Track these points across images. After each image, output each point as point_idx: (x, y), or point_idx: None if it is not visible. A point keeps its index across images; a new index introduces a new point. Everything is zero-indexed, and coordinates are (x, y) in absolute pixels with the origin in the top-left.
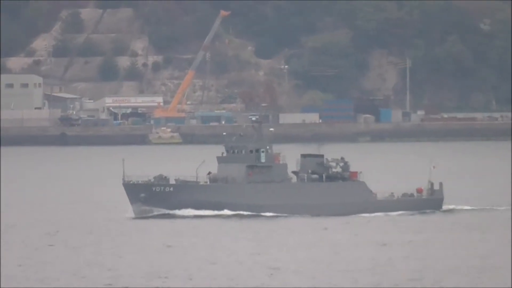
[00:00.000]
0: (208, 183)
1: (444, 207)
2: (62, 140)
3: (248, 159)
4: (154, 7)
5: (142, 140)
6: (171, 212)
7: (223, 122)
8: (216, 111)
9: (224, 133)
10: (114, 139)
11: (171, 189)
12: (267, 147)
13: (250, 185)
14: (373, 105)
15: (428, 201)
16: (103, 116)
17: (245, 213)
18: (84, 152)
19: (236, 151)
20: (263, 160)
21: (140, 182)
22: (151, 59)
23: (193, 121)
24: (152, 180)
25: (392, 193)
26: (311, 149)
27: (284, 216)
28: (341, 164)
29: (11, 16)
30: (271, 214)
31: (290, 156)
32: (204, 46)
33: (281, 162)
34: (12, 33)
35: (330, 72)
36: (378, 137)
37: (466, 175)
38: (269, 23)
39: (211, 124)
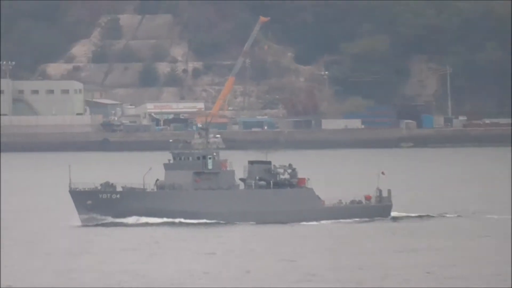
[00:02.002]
0: (155, 190)
1: (393, 214)
2: (104, 146)
3: (195, 165)
4: (194, 13)
5: (185, 146)
6: (117, 220)
7: (265, 128)
8: (258, 117)
9: (171, 140)
10: (156, 144)
11: (118, 196)
12: (214, 154)
13: (197, 192)
14: (415, 111)
15: (377, 208)
16: (145, 122)
17: (191, 220)
18: (126, 157)
19: (183, 157)
20: (210, 166)
21: (86, 189)
22: (191, 65)
23: (235, 127)
24: (99, 187)
25: (340, 200)
26: (259, 155)
27: (231, 223)
28: (289, 170)
29: (50, 22)
30: (217, 221)
31: (238, 163)
32: (244, 52)
33: (228, 168)
34: (52, 40)
35: (370, 79)
36: (420, 142)
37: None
38: (309, 29)
39: (253, 129)
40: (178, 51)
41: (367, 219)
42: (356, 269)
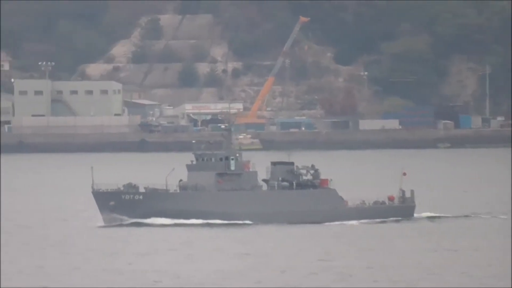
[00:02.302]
0: (178, 191)
1: (416, 215)
2: (141, 147)
3: (218, 166)
4: (234, 13)
5: (226, 146)
6: (140, 220)
7: (303, 128)
8: (296, 117)
9: (194, 141)
10: (194, 145)
11: (141, 197)
12: (237, 155)
13: (220, 193)
14: (453, 111)
15: (400, 209)
16: (183, 122)
17: (214, 221)
18: (163, 158)
19: (205, 159)
20: (232, 167)
21: (109, 190)
22: (230, 65)
23: (273, 127)
24: (122, 188)
25: (363, 200)
26: (282, 156)
27: (254, 224)
28: (312, 171)
29: (91, 23)
30: (240, 222)
31: (261, 164)
32: (284, 53)
33: (251, 169)
34: (91, 40)
35: (409, 79)
36: (458, 143)
37: None
38: (348, 29)
39: (291, 130)
40: (218, 51)
41: (390, 219)
42: (391, 269)
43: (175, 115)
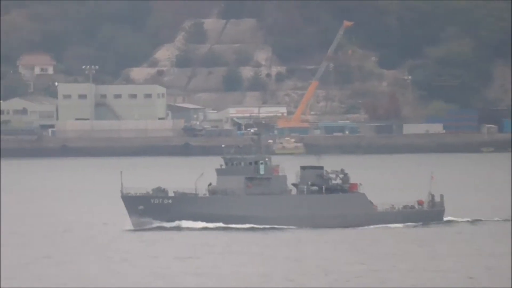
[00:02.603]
0: (207, 195)
1: (445, 218)
2: (185, 150)
3: (247, 171)
4: (277, 18)
5: (265, 150)
6: (169, 224)
7: (346, 132)
8: (339, 121)
9: (223, 145)
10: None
11: (170, 201)
12: (266, 159)
13: (249, 197)
14: (496, 115)
15: (429, 213)
16: (227, 126)
17: (244, 225)
18: (206, 162)
19: (235, 163)
20: (262, 172)
21: (138, 194)
22: (274, 69)
23: (317, 131)
24: (151, 192)
25: (392, 205)
26: (311, 161)
27: (283, 228)
28: (341, 175)
29: (134, 26)
30: (269, 226)
31: (290, 169)
32: (327, 57)
33: (280, 174)
34: (135, 44)
35: (453, 82)
36: (501, 147)
37: None
38: (393, 33)
39: (335, 134)
40: (262, 55)
41: (419, 223)
42: (439, 272)
43: (219, 119)
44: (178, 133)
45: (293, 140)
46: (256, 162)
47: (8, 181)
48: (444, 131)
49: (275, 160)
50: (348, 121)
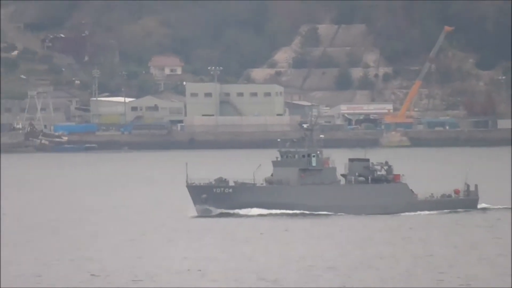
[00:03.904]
0: (265, 185)
1: (479, 206)
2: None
3: (301, 163)
4: (386, 23)
5: (374, 143)
6: (230, 211)
7: (447, 127)
8: (441, 117)
9: (279, 140)
10: (348, 142)
11: (230, 190)
12: (318, 152)
13: (302, 187)
14: None
15: (464, 201)
16: (338, 121)
17: (298, 212)
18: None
19: (289, 156)
20: (314, 164)
21: (201, 184)
22: (382, 70)
23: (420, 126)
24: (213, 182)
25: (432, 194)
26: (359, 154)
27: (334, 215)
28: (385, 167)
29: (255, 30)
30: (321, 213)
31: (339, 161)
32: (430, 59)
33: (330, 165)
34: (256, 47)
35: None
36: None
37: None
38: (490, 37)
39: (436, 129)
40: (371, 57)
41: (458, 210)
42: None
43: (332, 115)
44: (295, 127)
45: (398, 134)
46: (308, 155)
47: (139, 171)
48: None
49: (382, 152)
50: (448, 117)
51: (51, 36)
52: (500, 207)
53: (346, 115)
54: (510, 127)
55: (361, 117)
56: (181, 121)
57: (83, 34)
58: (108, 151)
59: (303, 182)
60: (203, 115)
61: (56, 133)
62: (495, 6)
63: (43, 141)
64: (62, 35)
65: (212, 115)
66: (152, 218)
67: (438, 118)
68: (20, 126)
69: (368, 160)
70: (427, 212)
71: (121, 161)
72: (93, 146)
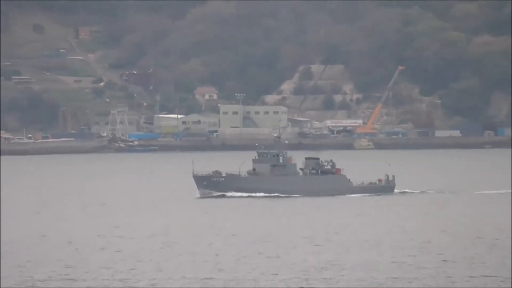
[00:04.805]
0: (247, 175)
1: (395, 191)
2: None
3: (272, 160)
4: (358, 63)
5: (349, 146)
6: (223, 193)
7: (400, 136)
8: (395, 129)
9: (257, 144)
10: (331, 146)
11: (223, 179)
12: (284, 153)
13: (273, 177)
14: None
15: (385, 187)
16: (325, 131)
17: (269, 195)
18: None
19: (264, 155)
20: (281, 161)
21: (203, 175)
22: (355, 96)
23: (381, 135)
24: (211, 173)
25: (362, 182)
26: (312, 154)
27: (294, 196)
28: (330, 163)
29: (268, 68)
30: (285, 195)
31: (298, 159)
32: (388, 88)
33: (292, 162)
34: (268, 80)
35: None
36: None
37: None
38: (429, 74)
39: (393, 137)
40: (347, 87)
41: (376, 194)
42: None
43: (320, 127)
44: (295, 136)
45: (366, 140)
46: (277, 155)
47: (184, 166)
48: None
49: (349, 153)
50: (400, 129)
51: (127, 72)
52: (408, 190)
53: (330, 127)
54: (445, 135)
55: (341, 129)
56: (216, 131)
57: (149, 71)
58: (165, 152)
59: (273, 174)
60: (231, 127)
61: (130, 139)
62: (433, 51)
63: (120, 145)
64: (135, 72)
65: (238, 127)
66: (174, 195)
67: (394, 129)
68: (105, 134)
69: (318, 158)
70: (359, 195)
71: (173, 159)
72: (155, 148)
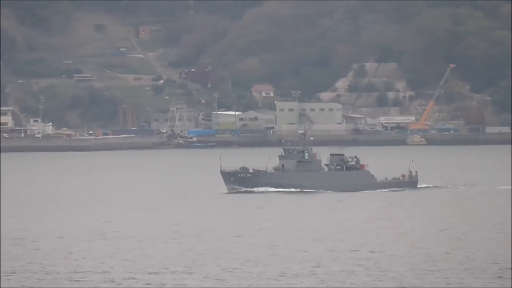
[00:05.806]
0: (273, 171)
1: (418, 186)
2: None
3: (297, 156)
4: (411, 62)
5: (402, 142)
6: (249, 189)
7: (451, 132)
8: (447, 125)
9: (282, 141)
10: (385, 142)
11: (250, 175)
12: (309, 149)
13: (299, 173)
14: None
15: (408, 182)
16: (379, 128)
17: (295, 190)
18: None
19: (290, 151)
20: (306, 157)
21: (230, 170)
22: (408, 93)
23: (433, 131)
24: (238, 169)
25: (386, 177)
26: (337, 150)
27: (319, 192)
28: (355, 159)
29: (323, 67)
30: (311, 191)
31: (323, 155)
32: (440, 86)
33: (317, 158)
34: (323, 77)
35: None
36: None
37: None
38: (480, 71)
39: (444, 133)
40: (400, 85)
41: (404, 188)
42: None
43: (374, 123)
44: (349, 132)
45: (419, 136)
46: (303, 151)
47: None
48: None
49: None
50: (452, 125)
51: (186, 70)
52: (431, 186)
53: (383, 123)
54: (496, 131)
55: (394, 125)
56: (273, 128)
57: (207, 69)
58: (223, 147)
59: (299, 170)
60: (287, 124)
61: (189, 136)
62: (482, 50)
63: (180, 141)
64: (193, 70)
65: (294, 123)
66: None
67: (445, 126)
68: (164, 131)
69: (343, 154)
70: (383, 190)
71: (231, 154)
72: (213, 144)
